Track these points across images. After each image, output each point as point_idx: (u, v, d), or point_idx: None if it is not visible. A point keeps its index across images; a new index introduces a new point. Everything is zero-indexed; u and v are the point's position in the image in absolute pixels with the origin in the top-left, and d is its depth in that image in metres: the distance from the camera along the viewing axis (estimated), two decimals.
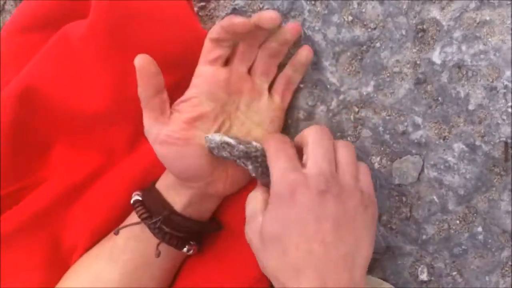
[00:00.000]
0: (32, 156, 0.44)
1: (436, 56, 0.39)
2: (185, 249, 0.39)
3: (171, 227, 0.38)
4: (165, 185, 0.39)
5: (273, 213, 0.32)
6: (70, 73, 0.42)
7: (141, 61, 0.34)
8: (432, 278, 0.42)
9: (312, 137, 0.34)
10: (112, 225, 0.42)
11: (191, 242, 0.40)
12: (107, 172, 0.44)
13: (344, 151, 0.34)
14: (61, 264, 0.42)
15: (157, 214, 0.37)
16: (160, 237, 0.37)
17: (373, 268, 0.43)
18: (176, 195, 0.38)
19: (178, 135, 0.36)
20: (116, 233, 0.38)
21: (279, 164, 0.33)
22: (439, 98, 0.39)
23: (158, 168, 0.41)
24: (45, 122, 0.43)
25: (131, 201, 0.39)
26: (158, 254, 0.37)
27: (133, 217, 0.40)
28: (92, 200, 0.43)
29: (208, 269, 0.41)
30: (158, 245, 0.37)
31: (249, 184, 0.41)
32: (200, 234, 0.41)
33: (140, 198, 0.39)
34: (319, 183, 0.31)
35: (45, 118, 0.43)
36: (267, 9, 0.42)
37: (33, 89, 0.41)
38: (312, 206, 0.30)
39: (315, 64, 0.42)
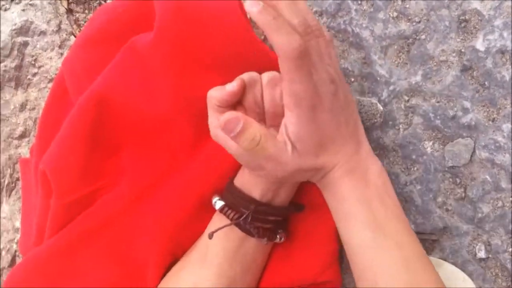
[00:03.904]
0: (104, 160, 0.46)
1: (480, 44, 0.41)
2: (277, 239, 0.41)
3: (260, 221, 0.40)
4: (241, 182, 0.41)
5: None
6: (138, 80, 0.45)
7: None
8: (490, 255, 0.44)
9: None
10: (185, 227, 0.44)
11: (279, 231, 0.42)
12: (174, 174, 0.46)
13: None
14: (132, 265, 0.44)
15: (245, 209, 0.39)
16: (255, 233, 0.39)
17: (432, 248, 0.45)
18: (252, 188, 0.40)
19: None
20: (211, 237, 0.39)
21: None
22: (486, 83, 0.42)
23: (229, 166, 0.43)
24: (115, 127, 0.46)
25: (217, 208, 0.41)
26: (266, 241, 0.40)
27: (218, 218, 0.42)
28: (164, 202, 0.45)
29: (289, 255, 0.43)
30: (257, 237, 0.40)
31: None
32: (285, 221, 0.43)
33: (223, 202, 0.41)
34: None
35: (115, 124, 0.46)
36: (315, 11, 0.46)
37: (105, 97, 0.44)
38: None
39: (364, 59, 0.45)
